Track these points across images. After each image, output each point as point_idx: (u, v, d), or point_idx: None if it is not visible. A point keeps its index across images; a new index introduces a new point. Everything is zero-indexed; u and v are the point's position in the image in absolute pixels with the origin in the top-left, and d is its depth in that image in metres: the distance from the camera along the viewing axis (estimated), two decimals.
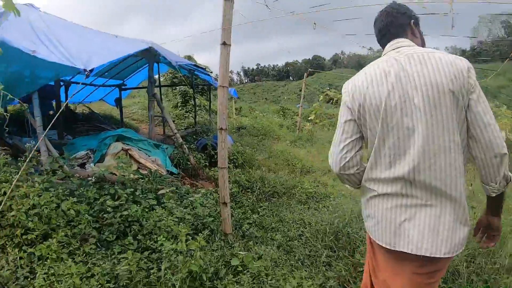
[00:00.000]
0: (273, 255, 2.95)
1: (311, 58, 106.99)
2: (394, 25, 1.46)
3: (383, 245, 1.37)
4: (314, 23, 3.58)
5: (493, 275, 2.53)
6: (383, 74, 1.33)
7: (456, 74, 1.24)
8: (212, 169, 5.36)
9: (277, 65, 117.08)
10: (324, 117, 11.58)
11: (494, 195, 1.33)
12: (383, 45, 1.50)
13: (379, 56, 1.46)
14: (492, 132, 1.24)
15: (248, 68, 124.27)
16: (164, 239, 2.62)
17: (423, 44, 1.50)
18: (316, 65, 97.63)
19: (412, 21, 1.47)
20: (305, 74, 9.65)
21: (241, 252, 2.84)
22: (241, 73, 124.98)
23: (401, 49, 1.38)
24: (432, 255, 1.26)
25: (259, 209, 4.17)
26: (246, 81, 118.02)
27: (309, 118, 9.59)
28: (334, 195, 4.69)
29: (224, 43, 2.99)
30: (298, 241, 3.34)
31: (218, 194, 3.26)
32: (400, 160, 1.30)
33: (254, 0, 3.28)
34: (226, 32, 2.99)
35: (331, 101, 11.43)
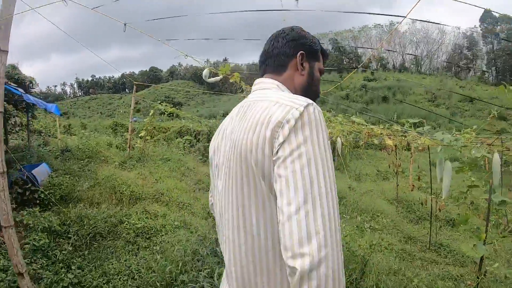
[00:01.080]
0: None
1: (148, 70, 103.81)
2: (273, 53, 1.06)
3: None
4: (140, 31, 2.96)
5: None
6: (224, 125, 1.07)
7: (258, 133, 0.84)
8: (21, 211, 3.93)
9: (113, 76, 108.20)
10: (156, 132, 10.76)
11: None
12: (260, 74, 1.11)
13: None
14: (283, 226, 0.73)
15: (83, 79, 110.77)
16: None
17: (310, 86, 1.07)
18: (153, 76, 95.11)
19: (301, 51, 1.04)
20: (134, 87, 8.71)
21: None
22: (75, 85, 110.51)
23: (253, 93, 1.04)
24: None
25: (76, 263, 3.19)
26: (80, 94, 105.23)
27: (139, 135, 8.62)
28: (166, 227, 4.09)
29: None
30: None
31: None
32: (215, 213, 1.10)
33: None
34: (1, 31, 1.97)
35: (164, 114, 10.80)
